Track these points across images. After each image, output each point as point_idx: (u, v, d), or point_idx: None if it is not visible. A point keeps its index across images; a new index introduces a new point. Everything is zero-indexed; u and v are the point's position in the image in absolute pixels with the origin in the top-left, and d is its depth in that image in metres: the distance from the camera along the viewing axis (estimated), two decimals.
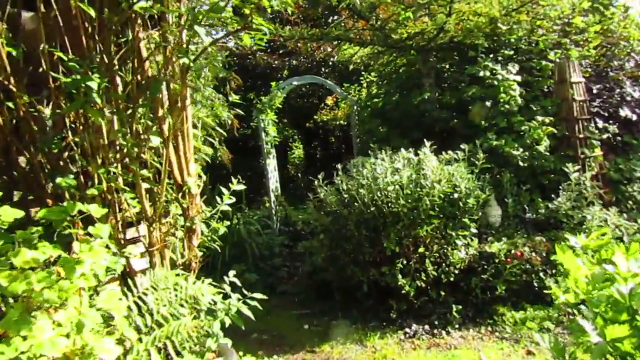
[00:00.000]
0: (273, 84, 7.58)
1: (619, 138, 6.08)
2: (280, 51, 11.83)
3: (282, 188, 15.82)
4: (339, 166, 5.10)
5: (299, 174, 17.44)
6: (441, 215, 4.78)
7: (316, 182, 5.15)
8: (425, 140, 5.32)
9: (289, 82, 7.55)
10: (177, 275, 2.94)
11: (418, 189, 4.76)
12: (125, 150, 2.74)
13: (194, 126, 7.87)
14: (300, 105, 13.16)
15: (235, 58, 12.42)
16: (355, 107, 7.03)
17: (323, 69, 11.76)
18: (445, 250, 4.83)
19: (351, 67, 8.46)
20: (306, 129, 13.94)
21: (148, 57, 2.97)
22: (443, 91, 6.24)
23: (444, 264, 4.81)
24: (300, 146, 17.26)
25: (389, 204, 4.71)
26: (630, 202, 5.77)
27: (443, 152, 5.11)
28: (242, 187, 3.53)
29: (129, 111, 2.80)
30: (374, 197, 4.73)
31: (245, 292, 3.22)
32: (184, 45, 2.90)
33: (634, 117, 6.10)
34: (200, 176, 3.59)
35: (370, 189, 4.78)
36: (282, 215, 8.00)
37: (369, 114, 6.63)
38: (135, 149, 2.76)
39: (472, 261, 4.87)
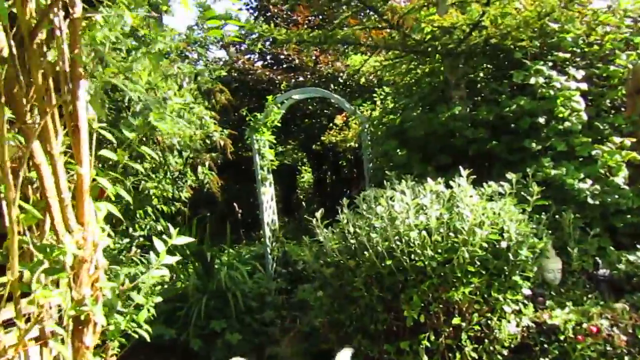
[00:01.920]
0: (269, 98, 6.37)
1: None
2: (284, 65, 10.70)
3: (290, 216, 14.61)
4: (344, 201, 3.82)
5: (307, 202, 16.20)
6: (483, 272, 3.45)
7: (314, 222, 3.87)
8: (457, 167, 4.04)
9: (288, 95, 6.34)
10: None
11: (452, 235, 3.45)
12: None
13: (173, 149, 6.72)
14: (307, 126, 11.98)
15: (235, 74, 11.35)
16: (366, 126, 5.78)
17: (332, 86, 10.58)
18: (489, 321, 3.48)
19: (362, 80, 7.23)
20: (315, 151, 12.74)
21: None
22: (477, 105, 4.96)
23: (487, 341, 3.45)
24: (310, 170, 16.08)
25: (412, 256, 3.39)
26: None
27: (483, 185, 3.80)
28: (186, 240, 2.28)
29: None
30: (390, 244, 3.42)
31: None
32: None
33: None
34: (115, 225, 2.35)
35: (385, 234, 3.47)
36: (281, 253, 6.70)
37: (384, 133, 5.37)
38: None
39: (526, 336, 3.51)
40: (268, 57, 11.72)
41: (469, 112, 4.97)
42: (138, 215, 7.86)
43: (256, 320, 5.28)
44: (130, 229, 8.05)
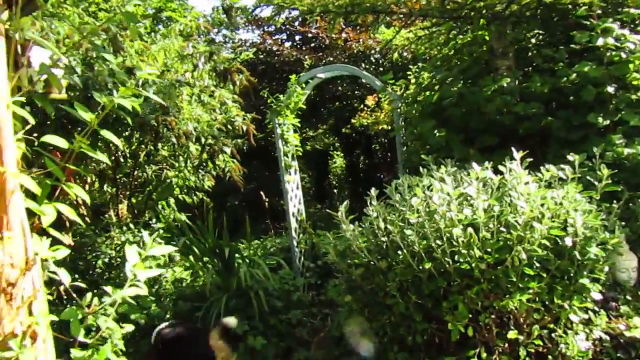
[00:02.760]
0: (292, 77, 5.84)
1: None
2: (312, 44, 10.11)
3: (322, 202, 14.12)
4: (372, 192, 3.26)
5: (339, 188, 15.67)
6: (543, 275, 2.85)
7: (339, 215, 3.34)
8: (505, 149, 3.43)
9: (312, 74, 5.78)
10: None
11: (503, 231, 2.86)
12: None
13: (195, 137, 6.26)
14: (338, 108, 11.40)
15: (262, 55, 10.85)
16: (399, 104, 5.17)
17: (363, 65, 9.93)
18: (552, 334, 2.89)
19: (395, 56, 6.59)
20: (347, 135, 12.17)
21: None
22: (528, 77, 4.28)
23: (550, 357, 2.86)
24: (342, 155, 15.54)
25: (455, 256, 2.83)
26: None
27: (540, 169, 3.17)
28: (166, 249, 1.81)
29: None
30: (429, 243, 2.87)
31: None
32: None
33: None
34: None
35: (422, 231, 2.91)
36: (309, 245, 6.22)
37: (420, 112, 4.75)
38: None
39: (599, 351, 2.90)
40: (297, 38, 11.16)
41: (519, 85, 4.29)
42: (160, 206, 7.53)
43: (282, 322, 4.82)
44: (154, 220, 7.74)
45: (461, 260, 2.79)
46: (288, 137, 6.08)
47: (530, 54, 4.52)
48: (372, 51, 9.56)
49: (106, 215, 7.54)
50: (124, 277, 6.13)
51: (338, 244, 3.38)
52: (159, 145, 5.72)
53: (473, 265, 2.77)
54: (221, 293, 4.75)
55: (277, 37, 11.15)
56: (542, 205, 2.86)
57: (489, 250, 2.82)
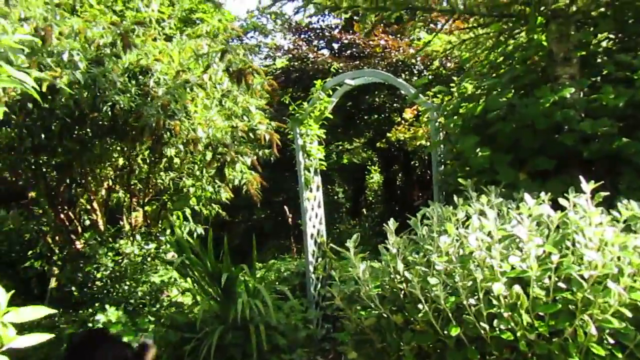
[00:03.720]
0: (317, 83, 5.21)
1: None
2: (348, 52, 9.49)
3: (357, 218, 13.38)
4: (391, 224, 2.56)
5: (376, 204, 14.93)
6: (618, 354, 2.06)
7: (349, 246, 2.65)
8: (563, 174, 2.66)
9: (339, 79, 5.14)
10: None
11: (563, 288, 2.10)
12: None
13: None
14: (375, 121, 10.71)
15: (296, 63, 10.32)
16: (435, 115, 4.44)
17: (403, 76, 9.21)
18: None
19: (435, 64, 5.86)
20: (384, 150, 11.45)
21: None
22: (596, 88, 3.48)
23: None
24: (378, 170, 14.84)
25: (494, 321, 2.09)
26: None
27: (611, 204, 2.39)
28: (38, 313, 1.17)
29: None
30: (459, 300, 2.14)
31: None
32: None
33: None
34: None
35: (452, 282, 2.19)
36: (327, 272, 5.53)
37: (460, 126, 4.00)
38: None
39: None
40: (335, 46, 10.57)
41: (585, 98, 3.49)
42: (175, 217, 7.04)
43: None
44: (168, 231, 7.28)
45: (502, 326, 2.05)
46: (311, 149, 5.45)
47: (599, 60, 3.70)
48: (413, 60, 8.82)
49: (120, 223, 7.12)
50: (124, 293, 5.64)
51: (344, 288, 2.68)
52: (169, 151, 5.19)
53: (518, 334, 2.03)
54: (217, 324, 4.13)
55: (313, 43, 10.62)
56: (620, 258, 2.08)
57: (541, 315, 2.07)
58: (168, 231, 7.27)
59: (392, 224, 2.56)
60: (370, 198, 16.14)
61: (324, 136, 5.61)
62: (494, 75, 4.13)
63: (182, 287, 4.94)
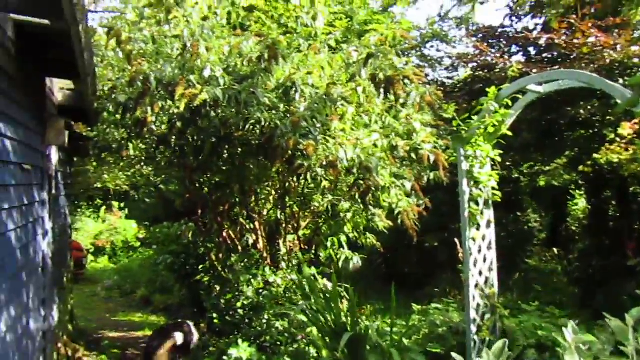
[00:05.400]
0: (490, 91, 4.10)
1: None
2: (544, 55, 7.85)
3: (554, 254, 11.25)
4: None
5: (580, 235, 12.42)
6: None
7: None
8: None
9: (520, 85, 3.93)
10: None
11: None
12: None
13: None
14: (579, 137, 8.78)
15: (480, 72, 9.05)
16: None
17: (621, 80, 7.22)
18: None
19: None
20: (592, 171, 9.32)
21: None
22: None
23: None
24: (584, 195, 12.40)
25: None
26: None
27: None
28: None
29: None
30: None
31: None
32: None
33: None
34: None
35: None
36: (496, 334, 4.30)
37: None
38: None
39: None
40: (532, 50, 8.98)
41: None
42: (329, 243, 6.52)
43: None
44: (323, 256, 6.82)
45: None
46: (479, 175, 4.32)
47: None
48: (636, 60, 6.83)
49: (276, 245, 6.90)
50: (261, 326, 5.25)
51: None
52: (308, 176, 4.63)
53: None
54: None
55: (503, 49, 9.20)
56: None
57: None
58: (322, 256, 6.79)
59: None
60: (574, 228, 13.60)
61: (499, 159, 4.41)
62: None
63: (312, 335, 4.29)
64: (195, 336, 5.10)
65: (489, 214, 4.45)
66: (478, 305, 4.20)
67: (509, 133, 4.43)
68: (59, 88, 4.61)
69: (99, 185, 10.22)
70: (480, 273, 4.27)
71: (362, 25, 8.94)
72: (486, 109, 4.03)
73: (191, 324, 5.17)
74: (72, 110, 4.69)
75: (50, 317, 4.30)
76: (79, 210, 14.76)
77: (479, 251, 4.29)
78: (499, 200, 4.50)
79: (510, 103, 4.24)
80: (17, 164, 2.72)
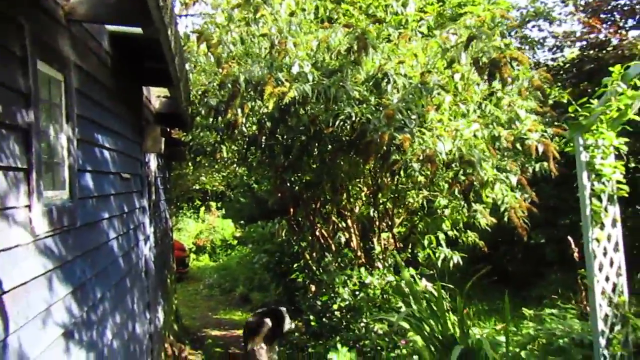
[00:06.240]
0: (615, 69, 3.56)
1: None
2: None
3: None
4: None
5: None
6: None
7: None
8: None
9: None
10: None
11: None
12: None
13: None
14: None
15: (591, 51, 8.15)
16: None
17: None
18: None
19: None
20: None
21: None
22: None
23: None
24: None
25: None
26: None
27: None
28: None
29: None
30: None
31: None
32: None
33: None
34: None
35: None
36: (630, 350, 3.75)
37: None
38: None
39: None
40: None
41: None
42: (426, 241, 6.18)
43: None
44: (421, 255, 6.50)
45: None
46: (601, 166, 3.78)
47: None
48: None
49: (370, 243, 6.69)
50: (360, 330, 5.05)
51: None
52: (402, 172, 4.36)
53: None
54: None
55: (617, 23, 8.19)
56: None
57: None
58: (420, 255, 6.46)
59: None
60: None
61: (625, 147, 3.83)
62: None
63: (415, 343, 4.01)
64: (288, 320, 5.22)
65: (614, 211, 3.88)
66: (606, 315, 3.68)
67: (637, 117, 3.83)
68: (156, 96, 4.75)
69: (197, 187, 10.61)
70: (607, 279, 3.74)
71: (455, 8, 8.40)
72: (611, 91, 3.50)
73: (284, 309, 5.32)
74: (169, 116, 4.81)
75: (156, 319, 4.43)
76: (180, 211, 15.53)
77: (604, 254, 3.75)
78: (626, 195, 3.92)
79: (638, 83, 3.65)
80: (116, 174, 2.75)
